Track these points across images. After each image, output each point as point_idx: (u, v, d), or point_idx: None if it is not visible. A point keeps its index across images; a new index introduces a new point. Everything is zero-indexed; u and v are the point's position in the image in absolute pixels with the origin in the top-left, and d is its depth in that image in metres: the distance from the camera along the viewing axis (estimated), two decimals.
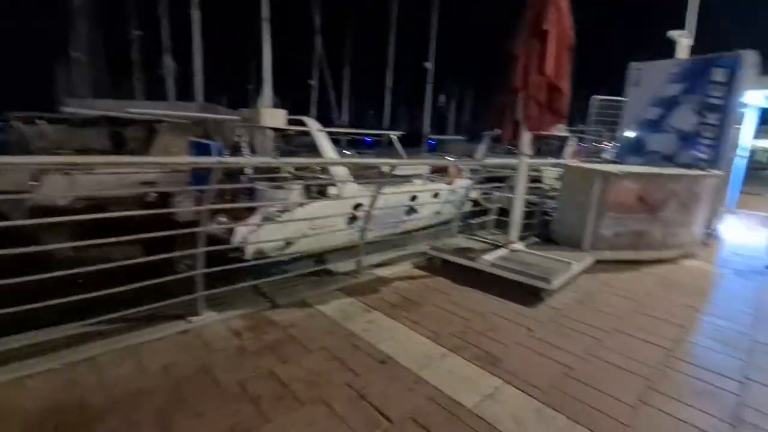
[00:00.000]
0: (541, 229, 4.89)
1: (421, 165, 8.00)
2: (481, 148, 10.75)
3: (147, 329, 2.27)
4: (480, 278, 3.36)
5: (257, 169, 6.47)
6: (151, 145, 7.86)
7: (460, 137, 22.47)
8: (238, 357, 2.11)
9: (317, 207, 5.32)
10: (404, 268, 3.73)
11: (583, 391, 1.97)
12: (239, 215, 5.04)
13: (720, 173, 4.96)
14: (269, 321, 2.53)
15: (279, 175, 6.90)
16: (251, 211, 5.19)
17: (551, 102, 3.31)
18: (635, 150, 5.87)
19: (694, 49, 5.99)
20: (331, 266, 3.69)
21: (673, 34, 6.15)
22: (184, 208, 4.85)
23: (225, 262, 2.76)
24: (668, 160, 5.48)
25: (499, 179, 5.19)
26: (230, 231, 4.72)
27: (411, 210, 6.87)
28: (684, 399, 1.95)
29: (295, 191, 5.92)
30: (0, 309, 1.75)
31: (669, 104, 5.48)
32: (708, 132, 5.18)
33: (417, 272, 3.62)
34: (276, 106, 7.96)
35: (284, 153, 9.51)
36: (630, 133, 5.96)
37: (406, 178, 6.94)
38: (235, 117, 7.58)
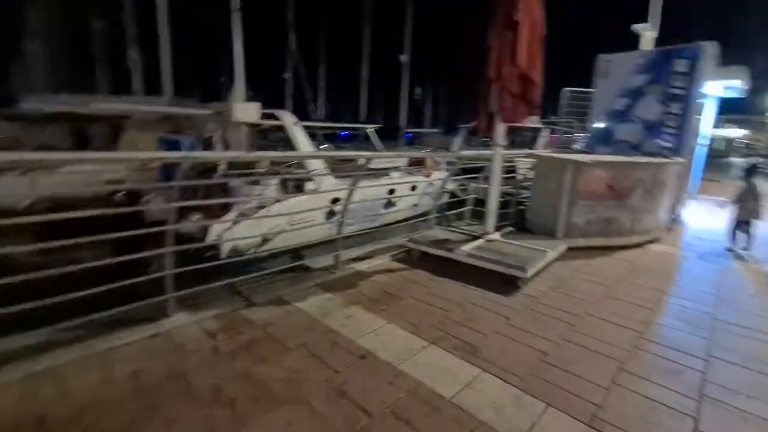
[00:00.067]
0: (517, 218, 4.98)
1: (398, 158, 7.98)
2: (457, 140, 10.83)
3: (114, 334, 2.16)
4: (458, 269, 3.39)
5: (232, 165, 6.29)
6: (118, 143, 7.51)
7: (436, 130, 22.60)
8: (212, 359, 2.05)
9: (294, 202, 5.22)
10: (383, 261, 3.72)
11: (559, 375, 2.02)
12: (214, 213, 4.90)
13: (683, 161, 5.18)
14: (245, 320, 2.47)
15: (254, 170, 6.74)
16: (226, 208, 5.06)
17: (524, 93, 3.35)
18: (604, 140, 6.04)
19: (662, 43, 6.18)
20: (308, 262, 3.64)
21: (637, 27, 6.34)
22: (152, 206, 4.67)
23: (200, 261, 2.67)
24: (635, 149, 5.67)
25: (475, 170, 5.23)
26: (205, 229, 4.58)
27: (389, 203, 6.86)
28: (653, 378, 2.03)
29: (271, 187, 5.79)
30: None
31: (635, 95, 5.66)
32: (671, 121, 5.38)
33: (396, 265, 3.62)
34: (250, 100, 7.74)
35: (260, 148, 9.27)
36: (599, 124, 6.12)
37: (384, 172, 6.92)
38: (206, 112, 7.33)
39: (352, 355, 2.13)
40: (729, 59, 5.92)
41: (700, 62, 5.10)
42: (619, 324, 2.62)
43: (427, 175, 7.39)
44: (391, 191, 6.78)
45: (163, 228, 2.32)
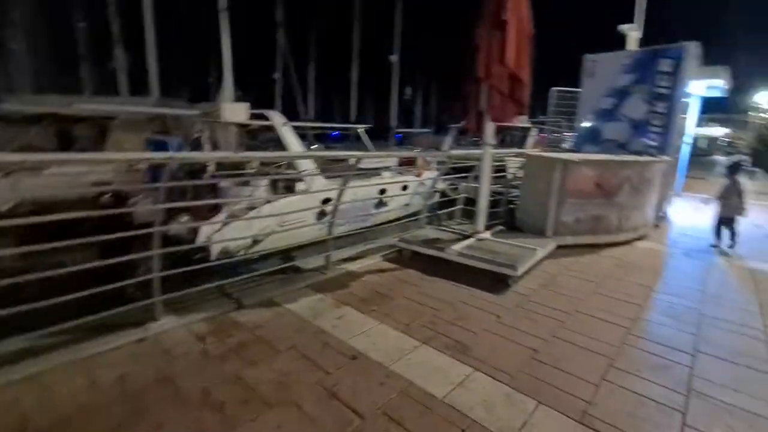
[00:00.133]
0: (507, 217, 5.01)
1: (389, 157, 7.98)
2: (448, 140, 10.87)
3: (100, 339, 2.12)
4: (449, 268, 3.39)
5: (221, 166, 6.22)
6: (104, 144, 7.37)
7: (426, 130, 22.64)
8: (200, 362, 2.01)
9: (285, 203, 5.18)
10: (374, 261, 3.71)
11: (549, 373, 2.03)
12: (203, 214, 4.84)
13: (669, 159, 5.27)
14: (234, 323, 2.44)
15: (244, 171, 6.67)
16: (216, 209, 5.00)
17: (513, 92, 3.37)
18: (592, 139, 6.11)
19: (648, 43, 6.27)
20: (299, 263, 3.61)
21: (623, 27, 6.43)
22: (140, 208, 4.59)
23: (190, 263, 2.63)
24: (622, 147, 5.75)
25: (465, 170, 5.25)
26: (194, 231, 4.52)
27: (380, 203, 6.85)
28: (641, 374, 2.06)
29: (261, 187, 5.74)
30: None
31: (621, 94, 5.74)
32: (657, 120, 5.47)
33: (387, 265, 3.61)
34: (238, 100, 7.67)
35: (250, 148, 9.20)
36: (587, 123, 6.19)
37: (375, 172, 6.91)
38: (194, 112, 7.24)
39: (344, 356, 2.11)
40: (711, 59, 6.06)
41: (683, 62, 5.19)
42: (608, 320, 2.65)
43: (418, 175, 7.40)
44: (382, 191, 6.78)
45: (150, 230, 2.28)
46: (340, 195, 3.50)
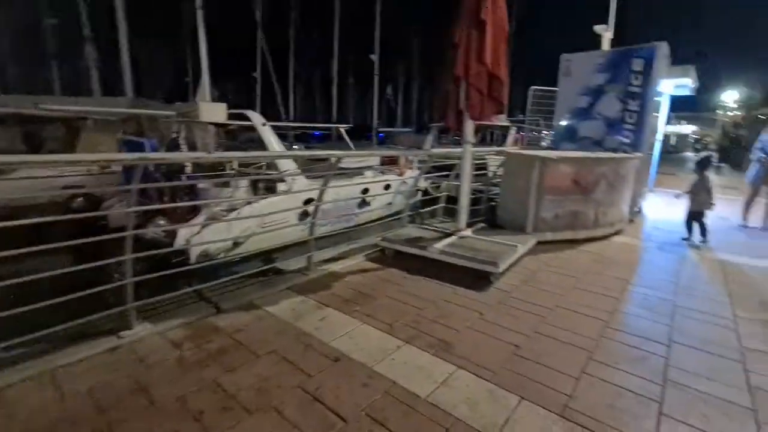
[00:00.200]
0: (488, 214, 5.06)
1: (370, 156, 7.96)
2: (429, 139, 10.92)
3: (68, 350, 2.02)
4: (432, 266, 3.40)
5: (199, 167, 6.07)
6: (76, 146, 7.09)
7: (408, 129, 22.72)
8: (177, 370, 1.95)
9: (266, 204, 5.09)
10: (357, 261, 3.68)
11: (531, 368, 2.05)
12: (181, 216, 4.70)
13: (642, 156, 5.42)
14: (213, 328, 2.38)
15: (224, 172, 6.53)
16: (195, 211, 4.86)
17: (492, 90, 3.40)
18: (569, 137, 6.24)
19: (624, 43, 6.44)
20: (280, 264, 3.55)
21: (598, 28, 6.59)
22: (113, 211, 4.43)
23: (169, 268, 2.54)
24: (598, 145, 5.88)
25: (446, 168, 5.28)
26: (172, 234, 4.39)
27: (363, 203, 6.82)
28: (619, 366, 2.10)
29: (241, 188, 5.63)
30: None
31: (596, 93, 5.87)
32: (630, 118, 5.62)
33: (369, 265, 3.59)
34: (216, 100, 7.50)
35: (229, 149, 9.03)
36: (563, 121, 6.31)
37: (358, 171, 6.88)
38: (170, 112, 7.04)
39: (326, 358, 2.08)
40: (678, 59, 6.28)
41: (655, 61, 5.35)
42: (587, 314, 2.70)
43: (400, 174, 7.41)
44: (365, 191, 6.75)
45: (122, 234, 2.19)
46: (321, 195, 3.46)
